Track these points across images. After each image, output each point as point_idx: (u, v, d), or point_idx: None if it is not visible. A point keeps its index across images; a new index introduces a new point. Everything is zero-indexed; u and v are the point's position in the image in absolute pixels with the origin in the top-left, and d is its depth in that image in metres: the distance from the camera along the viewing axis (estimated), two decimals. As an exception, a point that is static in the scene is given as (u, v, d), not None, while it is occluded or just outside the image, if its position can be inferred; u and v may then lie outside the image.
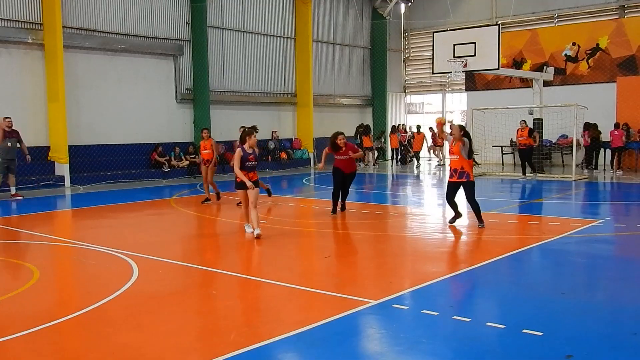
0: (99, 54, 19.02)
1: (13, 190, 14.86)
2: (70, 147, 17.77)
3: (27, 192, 15.88)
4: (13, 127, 14.84)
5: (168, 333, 5.10)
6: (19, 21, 17.27)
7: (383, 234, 9.84)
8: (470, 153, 9.64)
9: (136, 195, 15.61)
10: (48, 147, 17.84)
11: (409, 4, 29.29)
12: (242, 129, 9.57)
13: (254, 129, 9.19)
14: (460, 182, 9.70)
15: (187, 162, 20.36)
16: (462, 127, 9.73)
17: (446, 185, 10.17)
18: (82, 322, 5.45)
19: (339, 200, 11.64)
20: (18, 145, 14.90)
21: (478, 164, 11.15)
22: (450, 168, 9.92)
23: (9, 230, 10.62)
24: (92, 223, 11.58)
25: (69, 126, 17.79)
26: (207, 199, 13.29)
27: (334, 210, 11.54)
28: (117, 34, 19.37)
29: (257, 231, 9.00)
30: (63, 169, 17.64)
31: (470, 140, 9.77)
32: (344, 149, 11.35)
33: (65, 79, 17.65)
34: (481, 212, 9.82)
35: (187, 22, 21.28)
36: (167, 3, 20.77)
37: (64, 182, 17.51)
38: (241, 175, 8.97)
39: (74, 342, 5.07)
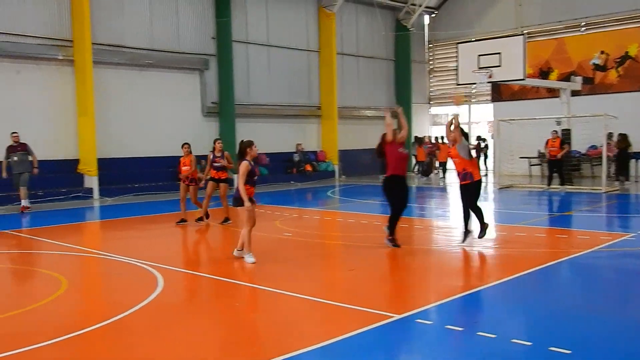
0: (127, 69, 19.37)
1: (24, 202, 14.83)
2: (98, 159, 18.09)
3: (56, 204, 16.17)
4: (21, 141, 14.84)
5: (191, 344, 5.13)
6: (50, 38, 17.70)
7: (408, 247, 9.74)
8: (470, 153, 9.23)
9: (163, 207, 15.77)
10: (77, 160, 18.17)
11: (433, 15, 29.27)
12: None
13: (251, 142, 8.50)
14: (466, 184, 9.26)
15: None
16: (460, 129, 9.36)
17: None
18: (106, 333, 5.51)
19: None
20: (29, 158, 14.90)
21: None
22: (456, 171, 9.57)
23: (39, 241, 10.81)
24: (119, 234, 11.73)
25: (98, 139, 18.12)
26: (182, 220, 12.34)
27: (393, 240, 9.24)
28: (144, 49, 19.70)
29: (249, 259, 8.31)
30: (92, 181, 17.95)
31: (466, 138, 9.38)
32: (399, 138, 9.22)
33: (95, 93, 18.01)
34: (484, 218, 9.37)
35: (212, 37, 21.55)
36: (192, 19, 21.08)
37: (92, 194, 17.81)
38: (243, 193, 8.14)
39: (98, 353, 5.11)
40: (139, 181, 19.07)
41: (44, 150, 16.69)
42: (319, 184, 22.51)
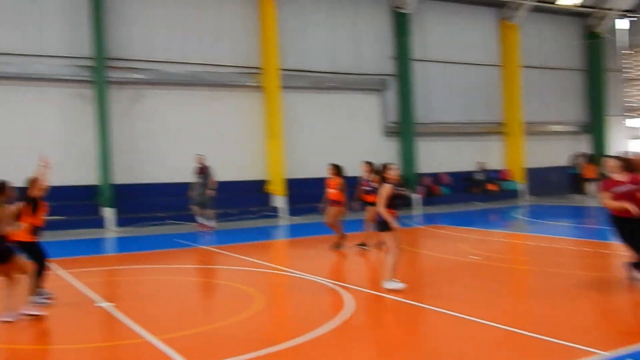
0: (310, 92, 20.31)
1: (201, 220, 15.50)
2: (285, 180, 19.08)
3: (247, 223, 17.30)
4: (204, 164, 15.49)
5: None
6: (242, 67, 19.22)
7: (609, 275, 8.81)
8: None
9: (349, 227, 16.04)
10: (264, 181, 19.33)
11: (631, 19, 26.63)
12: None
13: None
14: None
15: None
16: None
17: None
18: (297, 350, 5.63)
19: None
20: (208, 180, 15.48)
21: None
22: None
23: (232, 257, 11.58)
24: (308, 253, 12.16)
25: (284, 160, 19.14)
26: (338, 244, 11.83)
27: None
28: (326, 72, 20.51)
29: (395, 285, 7.90)
30: (279, 200, 18.96)
31: None
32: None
33: (282, 117, 19.11)
34: None
35: (391, 57, 21.76)
36: (372, 40, 21.49)
37: (279, 213, 18.79)
38: (386, 215, 7.89)
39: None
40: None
41: (235, 171, 18.13)
42: (503, 204, 21.46)
